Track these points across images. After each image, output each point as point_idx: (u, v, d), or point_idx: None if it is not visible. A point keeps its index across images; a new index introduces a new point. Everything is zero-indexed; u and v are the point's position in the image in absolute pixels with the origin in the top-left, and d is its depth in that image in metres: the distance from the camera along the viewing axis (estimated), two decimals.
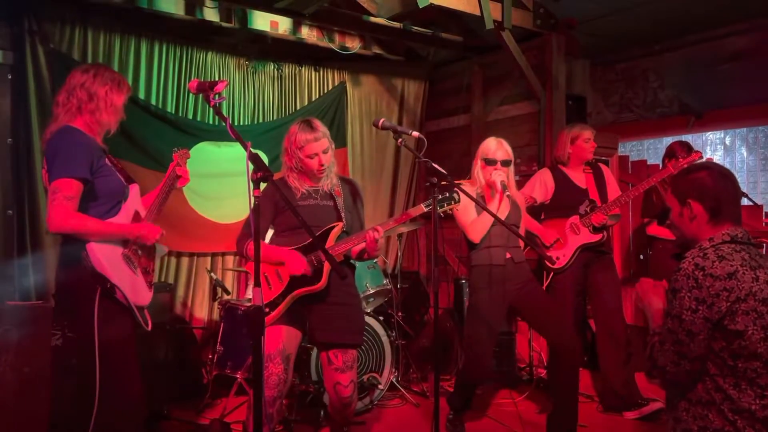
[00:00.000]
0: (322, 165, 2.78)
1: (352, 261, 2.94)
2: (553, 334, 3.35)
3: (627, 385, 3.83)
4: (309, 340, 2.90)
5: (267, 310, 2.69)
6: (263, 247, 2.78)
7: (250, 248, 2.49)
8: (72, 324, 2.32)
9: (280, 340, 2.71)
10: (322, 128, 2.80)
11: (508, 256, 3.38)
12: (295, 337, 2.80)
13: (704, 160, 3.86)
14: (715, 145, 8.20)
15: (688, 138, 4.76)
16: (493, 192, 3.36)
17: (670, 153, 4.32)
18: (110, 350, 2.27)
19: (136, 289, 2.40)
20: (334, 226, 2.79)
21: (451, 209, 2.75)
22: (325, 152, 2.78)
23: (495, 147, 3.38)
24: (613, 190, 4.01)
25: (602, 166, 4.11)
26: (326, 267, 2.71)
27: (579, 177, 3.98)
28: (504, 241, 3.38)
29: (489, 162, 3.37)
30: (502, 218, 3.25)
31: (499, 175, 3.30)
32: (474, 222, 3.37)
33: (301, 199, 2.82)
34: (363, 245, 2.76)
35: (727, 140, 8.12)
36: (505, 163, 3.37)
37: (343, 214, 2.84)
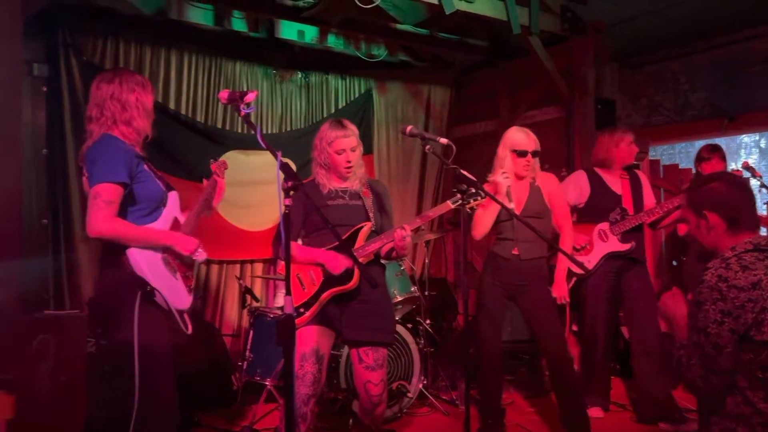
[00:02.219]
0: (349, 162, 2.82)
1: (381, 261, 2.94)
2: (541, 339, 3.43)
3: (664, 393, 3.71)
4: (341, 339, 2.91)
5: (302, 310, 2.73)
6: (300, 249, 2.82)
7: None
8: (108, 330, 2.34)
9: (314, 340, 2.74)
10: (351, 127, 2.86)
11: (515, 252, 3.42)
12: (328, 337, 2.82)
13: (739, 166, 3.78)
14: (749, 148, 8.00)
15: (721, 141, 4.65)
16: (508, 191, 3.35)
17: (699, 157, 4.27)
18: (149, 355, 2.28)
19: (175, 293, 2.42)
20: (362, 226, 2.81)
21: (477, 205, 2.74)
22: (353, 150, 2.83)
23: (525, 139, 3.42)
24: (649, 198, 3.91)
25: (639, 174, 4.00)
26: None
27: (615, 182, 3.89)
28: (512, 234, 3.42)
29: (521, 154, 3.40)
30: (513, 209, 3.28)
31: (506, 180, 3.26)
32: (476, 217, 3.41)
33: (330, 199, 2.85)
34: (392, 244, 2.78)
35: (762, 143, 7.92)
36: (535, 154, 3.43)
37: (371, 215, 2.86)
